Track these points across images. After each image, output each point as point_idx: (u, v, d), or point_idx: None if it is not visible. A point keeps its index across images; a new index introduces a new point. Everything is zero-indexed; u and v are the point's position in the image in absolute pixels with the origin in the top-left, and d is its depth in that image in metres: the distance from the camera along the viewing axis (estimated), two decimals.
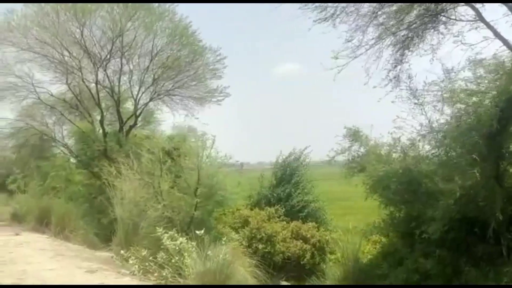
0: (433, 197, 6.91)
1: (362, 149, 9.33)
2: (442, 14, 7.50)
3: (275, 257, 13.95)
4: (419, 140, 7.89)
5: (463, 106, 8.34)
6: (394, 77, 8.08)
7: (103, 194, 15.25)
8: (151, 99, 16.86)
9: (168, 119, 20.52)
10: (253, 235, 14.30)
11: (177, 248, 7.29)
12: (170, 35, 15.83)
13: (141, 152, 9.61)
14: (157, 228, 7.36)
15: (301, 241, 14.93)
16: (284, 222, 15.95)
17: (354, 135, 9.39)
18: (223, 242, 7.47)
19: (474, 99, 8.24)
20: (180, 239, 7.36)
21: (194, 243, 7.28)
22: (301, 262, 14.36)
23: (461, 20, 7.37)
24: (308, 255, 14.50)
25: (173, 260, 7.29)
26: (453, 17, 7.41)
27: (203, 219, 9.77)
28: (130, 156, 8.85)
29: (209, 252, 7.11)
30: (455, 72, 8.44)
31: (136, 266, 7.43)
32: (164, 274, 7.18)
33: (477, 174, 5.90)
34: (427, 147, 7.91)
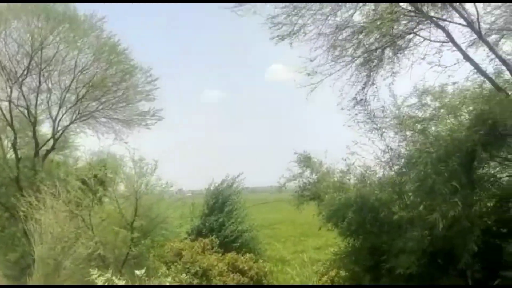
0: (397, 227, 6.54)
1: (314, 176, 8.86)
2: (400, 37, 7.38)
3: None
4: (381, 167, 7.56)
5: (411, 133, 8.22)
6: (361, 99, 7.77)
7: (12, 227, 13.41)
8: (72, 121, 15.26)
9: (90, 144, 18.45)
10: (187, 269, 13.14)
11: None
12: (96, 52, 14.57)
13: (68, 179, 8.31)
14: (90, 270, 6.20)
15: (238, 274, 14.01)
16: (220, 254, 14.96)
17: (306, 161, 8.90)
18: (168, 282, 6.55)
19: (418, 126, 8.17)
20: (118, 282, 6.26)
21: None
22: None
23: (432, 41, 7.27)
24: None
25: None
26: (419, 38, 7.30)
27: (140, 256, 8.60)
28: (56, 184, 7.57)
29: None
30: (406, 98, 8.37)
31: None
32: None
33: (459, 202, 5.61)
34: (388, 174, 7.58)
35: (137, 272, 6.69)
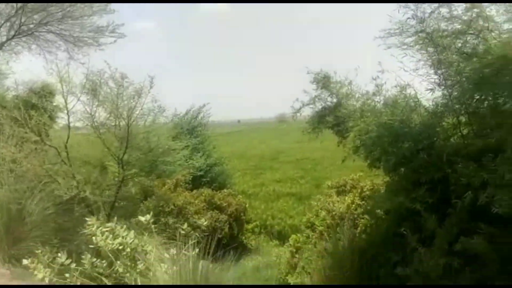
0: (468, 156, 5.39)
1: (334, 100, 7.48)
2: None
3: (190, 233, 11.60)
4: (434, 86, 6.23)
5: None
6: None
7: None
8: (10, 38, 12.53)
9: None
10: (160, 208, 11.69)
11: (124, 248, 4.68)
12: None
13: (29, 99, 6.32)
14: (88, 218, 4.59)
15: (216, 211, 12.82)
16: (195, 190, 13.61)
17: (323, 81, 7.44)
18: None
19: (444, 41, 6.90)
20: (130, 235, 4.73)
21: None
22: (219, 236, 12.25)
23: None
24: (226, 227, 12.49)
25: (117, 268, 4.67)
26: None
27: (131, 197, 6.99)
28: (19, 106, 5.63)
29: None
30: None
31: (47, 279, 4.65)
32: None
33: None
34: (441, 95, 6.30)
35: (142, 218, 5.18)
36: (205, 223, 5.65)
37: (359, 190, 9.15)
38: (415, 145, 5.81)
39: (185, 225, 5.64)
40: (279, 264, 10.08)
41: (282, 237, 14.57)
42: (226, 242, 12.41)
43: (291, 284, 8.74)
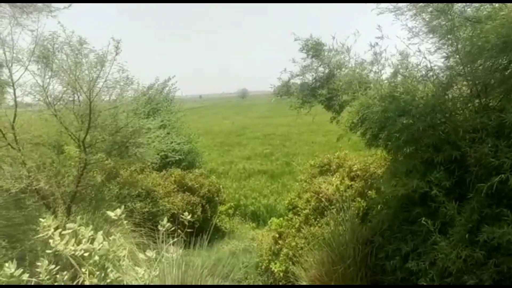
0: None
1: (326, 70, 6.63)
2: None
3: (160, 217, 10.69)
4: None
5: None
6: None
7: None
8: None
9: None
10: (127, 192, 10.66)
11: (91, 256, 3.75)
12: None
13: None
14: (42, 218, 3.59)
15: (187, 193, 11.91)
16: (163, 171, 12.62)
17: (315, 48, 6.57)
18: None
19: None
20: (98, 239, 3.77)
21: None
22: (191, 220, 11.36)
23: None
24: (199, 210, 11.64)
25: (82, 279, 3.77)
26: None
27: (98, 186, 5.95)
28: None
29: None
30: None
31: None
32: None
33: None
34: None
35: (111, 213, 4.22)
36: (189, 217, 4.73)
37: (346, 170, 8.47)
38: (431, 119, 5.09)
39: (165, 220, 4.75)
40: (260, 249, 9.33)
41: (256, 218, 13.88)
42: (199, 225, 11.58)
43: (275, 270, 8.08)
